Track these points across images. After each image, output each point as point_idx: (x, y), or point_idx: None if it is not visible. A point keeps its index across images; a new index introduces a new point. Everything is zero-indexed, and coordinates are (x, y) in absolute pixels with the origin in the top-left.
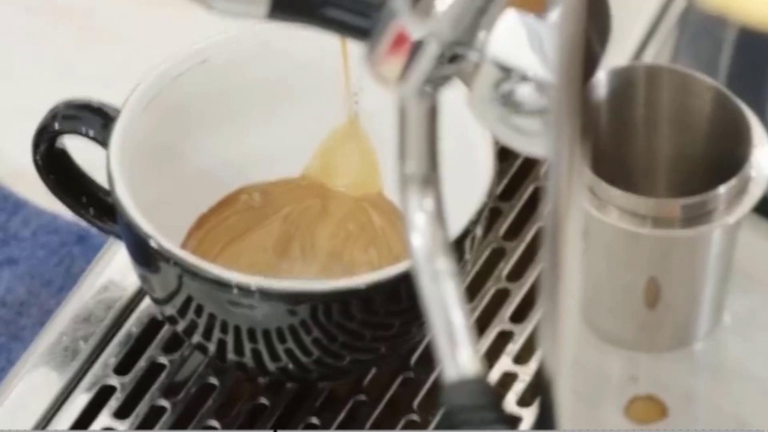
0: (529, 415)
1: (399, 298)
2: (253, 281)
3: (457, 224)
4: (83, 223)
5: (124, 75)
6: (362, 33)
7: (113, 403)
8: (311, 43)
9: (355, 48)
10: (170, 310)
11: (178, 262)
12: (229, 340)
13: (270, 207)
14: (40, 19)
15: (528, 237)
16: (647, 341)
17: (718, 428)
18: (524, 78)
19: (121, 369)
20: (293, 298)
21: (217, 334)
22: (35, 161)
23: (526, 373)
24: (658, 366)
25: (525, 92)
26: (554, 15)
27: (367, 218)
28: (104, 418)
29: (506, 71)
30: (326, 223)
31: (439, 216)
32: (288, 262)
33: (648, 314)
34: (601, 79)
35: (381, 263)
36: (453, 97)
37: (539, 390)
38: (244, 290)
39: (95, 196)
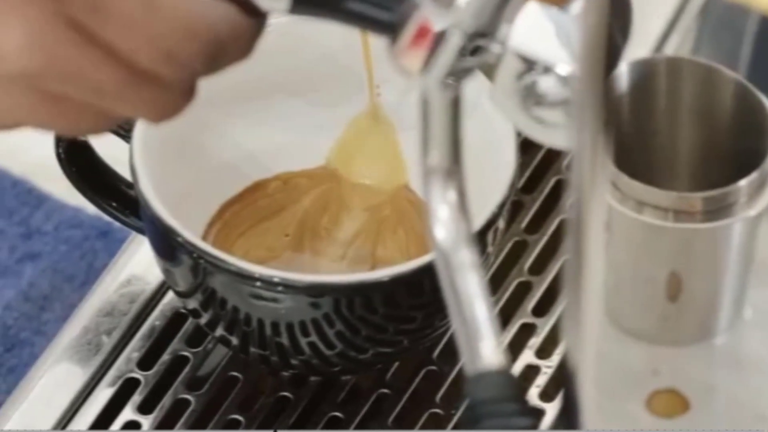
0: (551, 409)
1: (422, 290)
2: (277, 274)
3: (479, 217)
4: (106, 217)
5: None
6: (385, 27)
7: (137, 397)
8: (333, 35)
9: (377, 40)
10: (193, 303)
11: (201, 255)
12: (253, 333)
13: (291, 195)
14: None
15: (550, 230)
16: (669, 334)
17: (739, 421)
18: (547, 70)
19: (145, 363)
20: (316, 291)
21: (240, 327)
22: (58, 155)
23: (548, 367)
24: (680, 359)
25: (547, 84)
26: (576, 6)
27: (390, 209)
28: (128, 412)
29: (528, 63)
30: (347, 212)
31: (462, 208)
32: (307, 247)
33: (669, 307)
34: (623, 71)
35: (402, 253)
36: (475, 89)
37: (562, 383)
38: (267, 283)
39: (118, 189)
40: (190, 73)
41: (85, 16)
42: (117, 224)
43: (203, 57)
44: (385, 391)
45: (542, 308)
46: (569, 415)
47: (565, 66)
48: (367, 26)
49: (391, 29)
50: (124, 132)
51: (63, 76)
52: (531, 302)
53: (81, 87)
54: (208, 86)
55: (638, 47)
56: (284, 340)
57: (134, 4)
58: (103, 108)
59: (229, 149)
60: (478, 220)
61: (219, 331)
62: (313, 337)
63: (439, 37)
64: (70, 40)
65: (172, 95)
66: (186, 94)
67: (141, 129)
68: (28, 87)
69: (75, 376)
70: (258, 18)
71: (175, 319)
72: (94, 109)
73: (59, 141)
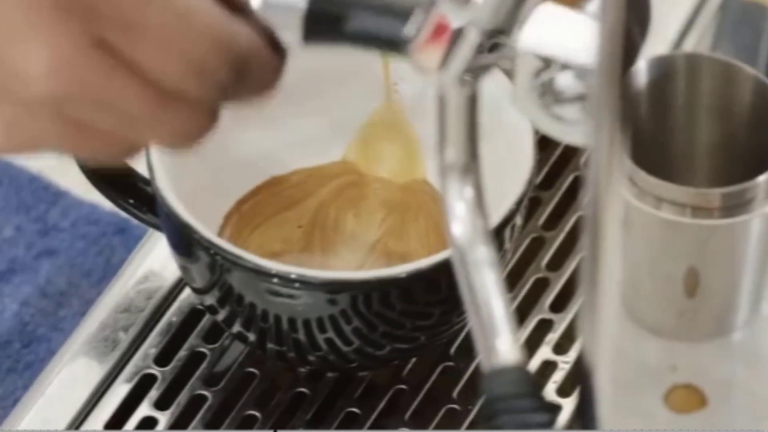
0: (568, 405)
1: (439, 287)
2: (294, 270)
3: (497, 213)
4: (123, 214)
5: None
6: (398, 44)
7: (153, 393)
8: None
9: None
10: (210, 299)
11: (218, 252)
12: (270, 329)
13: (308, 189)
14: None
15: (568, 226)
16: (687, 330)
17: (758, 416)
18: (564, 67)
19: (162, 359)
20: (333, 288)
21: (257, 323)
22: None
23: (565, 362)
24: (698, 355)
25: (565, 81)
26: (594, 4)
27: (409, 202)
28: (145, 408)
29: (546, 60)
30: (365, 206)
31: (479, 205)
32: (324, 241)
33: (687, 303)
34: (642, 68)
35: (423, 246)
36: (493, 86)
37: (579, 379)
38: (284, 279)
39: (135, 186)
40: (217, 90)
41: (115, 35)
42: (134, 220)
43: (230, 72)
44: (402, 386)
45: (559, 304)
46: (586, 411)
47: (582, 63)
48: (383, 46)
49: (404, 48)
50: None
51: (90, 101)
52: (548, 298)
53: (109, 112)
54: None
55: (657, 44)
56: (301, 336)
57: (167, 18)
58: (130, 134)
59: (245, 145)
60: (496, 217)
61: (236, 328)
62: (330, 333)
63: (457, 34)
64: (98, 63)
65: (199, 116)
66: (211, 115)
67: None
68: (53, 112)
69: (92, 372)
70: (280, 52)
71: (192, 316)
72: (120, 135)
73: None
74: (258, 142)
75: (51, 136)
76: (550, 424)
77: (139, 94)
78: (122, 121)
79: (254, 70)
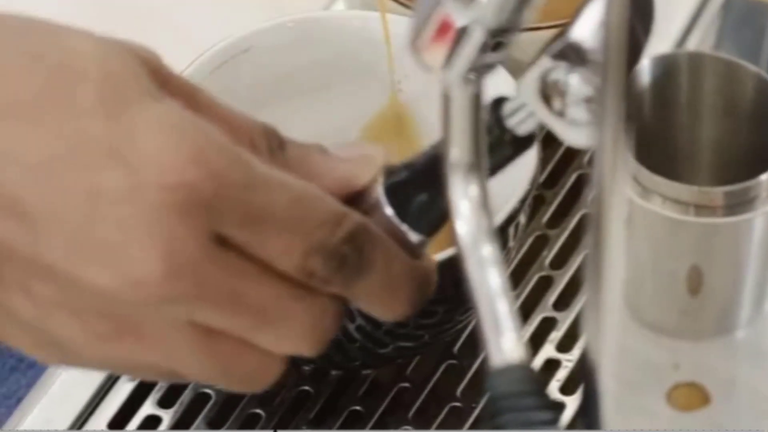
0: (572, 403)
1: (443, 285)
2: None
3: (501, 212)
4: None
5: (167, 62)
6: None
7: (157, 392)
8: (354, 31)
9: (398, 35)
10: None
11: None
12: None
13: None
14: (83, 6)
15: (571, 224)
16: (689, 328)
17: (761, 414)
18: (570, 67)
19: None
20: None
21: None
22: None
23: (569, 360)
24: (701, 353)
25: (571, 81)
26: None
27: None
28: (148, 407)
29: (552, 60)
30: None
31: (483, 203)
32: None
33: (690, 301)
34: (645, 66)
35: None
36: (497, 83)
37: (583, 377)
38: None
39: None
40: (343, 275)
41: (235, 230)
42: None
43: (354, 252)
44: (406, 385)
45: (563, 302)
46: (589, 409)
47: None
48: None
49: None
50: None
51: (216, 302)
52: (552, 297)
53: (237, 313)
54: (229, 81)
55: (660, 42)
56: None
57: (287, 203)
58: (262, 338)
59: None
60: (500, 215)
61: None
62: None
63: (461, 33)
64: (220, 260)
65: (329, 307)
66: (339, 308)
67: None
68: (175, 319)
69: (95, 371)
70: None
71: None
72: (251, 341)
73: None
74: None
75: (177, 350)
76: (555, 422)
77: (268, 288)
78: (252, 321)
79: (379, 260)
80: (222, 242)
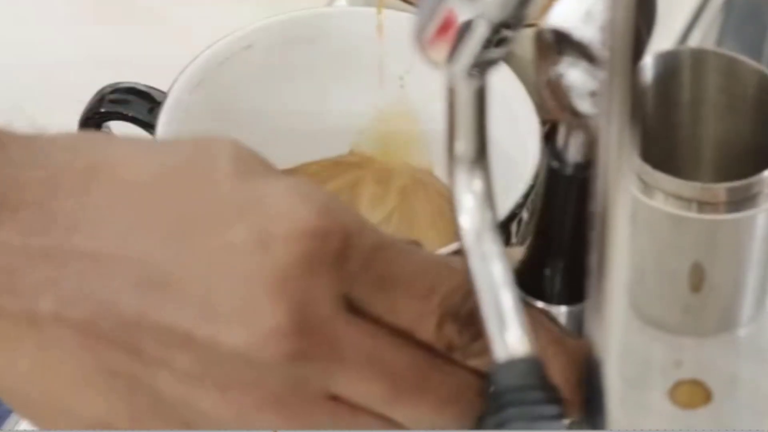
0: None
1: None
2: None
3: (503, 207)
4: None
5: (167, 60)
6: None
7: None
8: (355, 27)
9: (398, 31)
10: None
11: None
12: None
13: (317, 181)
14: (83, 5)
15: None
16: (692, 325)
17: (763, 412)
18: (574, 62)
19: None
20: None
21: None
22: None
23: None
24: (703, 350)
25: (575, 76)
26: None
27: (413, 197)
28: None
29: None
30: (370, 200)
31: (487, 197)
32: None
33: (692, 298)
34: (648, 63)
35: (425, 241)
36: (500, 80)
37: (587, 374)
38: None
39: None
40: (479, 345)
41: (365, 290)
42: None
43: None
44: None
45: None
46: (594, 405)
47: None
48: None
49: None
50: (148, 122)
51: (350, 365)
52: None
53: (375, 379)
54: (231, 78)
55: (662, 39)
56: None
57: (418, 267)
58: (400, 412)
59: (252, 141)
60: (502, 211)
61: None
62: None
63: (465, 28)
64: (352, 320)
65: (465, 376)
66: (479, 388)
67: (164, 120)
68: (314, 389)
69: None
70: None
71: None
72: (388, 417)
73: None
74: (264, 138)
75: (318, 427)
76: (560, 416)
77: (405, 354)
78: (391, 390)
79: None
80: (352, 306)
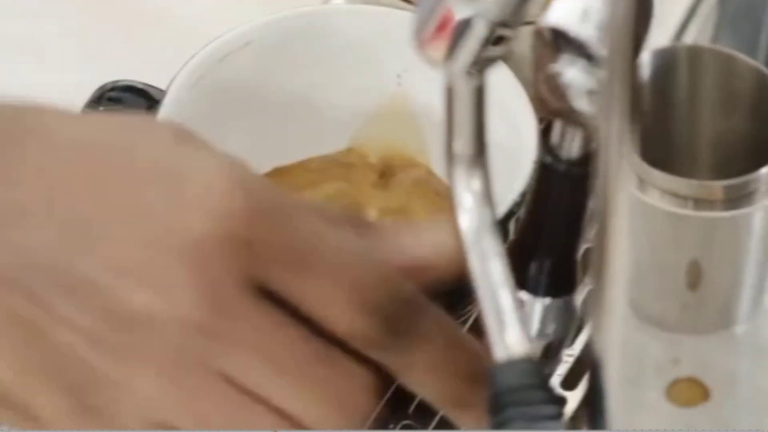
0: (573, 398)
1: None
2: None
3: (501, 206)
4: None
5: (166, 57)
6: None
7: None
8: (354, 24)
9: (397, 29)
10: None
11: None
12: None
13: (312, 179)
14: (82, 2)
15: None
16: (689, 323)
17: (760, 409)
18: (573, 60)
19: None
20: None
21: None
22: None
23: (570, 355)
24: (700, 348)
25: (573, 74)
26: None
27: (412, 195)
28: None
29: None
30: (373, 195)
31: (486, 196)
32: None
33: (690, 296)
34: (645, 60)
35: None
36: (498, 78)
37: (587, 372)
38: None
39: None
40: (395, 342)
41: (278, 276)
42: None
43: (402, 311)
44: None
45: None
46: (594, 404)
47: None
48: None
49: None
50: None
51: (243, 349)
52: None
53: (262, 366)
54: (230, 75)
55: (658, 36)
56: None
57: (344, 257)
58: (287, 399)
59: (251, 138)
60: (500, 209)
61: None
62: None
63: (463, 26)
64: (255, 305)
65: (363, 379)
66: (372, 388)
67: (163, 118)
68: (195, 359)
69: None
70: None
71: None
72: (273, 401)
73: None
74: (264, 135)
75: (205, 405)
76: (559, 416)
77: (292, 346)
78: (277, 381)
79: (434, 331)
80: (267, 292)
